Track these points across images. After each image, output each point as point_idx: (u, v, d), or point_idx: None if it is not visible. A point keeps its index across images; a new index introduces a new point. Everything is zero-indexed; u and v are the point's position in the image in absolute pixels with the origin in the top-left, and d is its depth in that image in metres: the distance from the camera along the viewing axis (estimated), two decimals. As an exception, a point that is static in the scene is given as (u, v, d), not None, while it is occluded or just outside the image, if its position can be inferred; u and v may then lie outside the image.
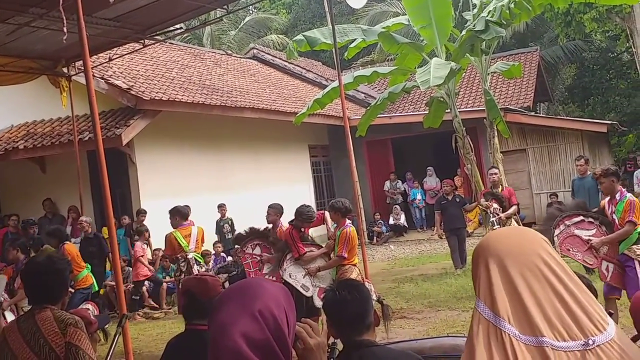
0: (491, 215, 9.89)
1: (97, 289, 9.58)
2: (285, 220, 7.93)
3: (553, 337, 1.50)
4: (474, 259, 1.71)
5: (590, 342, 1.49)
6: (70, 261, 3.78)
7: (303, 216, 7.35)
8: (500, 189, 10.66)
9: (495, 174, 10.94)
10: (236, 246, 8.61)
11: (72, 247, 8.84)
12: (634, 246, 6.40)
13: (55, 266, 3.52)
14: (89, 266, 9.17)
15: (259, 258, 8.07)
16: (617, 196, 6.46)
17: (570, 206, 6.98)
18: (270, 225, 8.20)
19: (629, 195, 6.53)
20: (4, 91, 12.11)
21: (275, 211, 8.20)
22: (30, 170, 13.71)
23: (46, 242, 8.90)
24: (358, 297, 2.70)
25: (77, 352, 3.20)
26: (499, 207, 9.85)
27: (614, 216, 6.41)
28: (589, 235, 6.47)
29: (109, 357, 3.03)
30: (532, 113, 19.93)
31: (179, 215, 8.85)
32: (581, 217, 6.51)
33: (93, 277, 9.20)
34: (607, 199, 6.63)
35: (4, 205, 14.50)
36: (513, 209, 10.05)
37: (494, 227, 9.36)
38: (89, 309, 3.80)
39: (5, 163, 13.42)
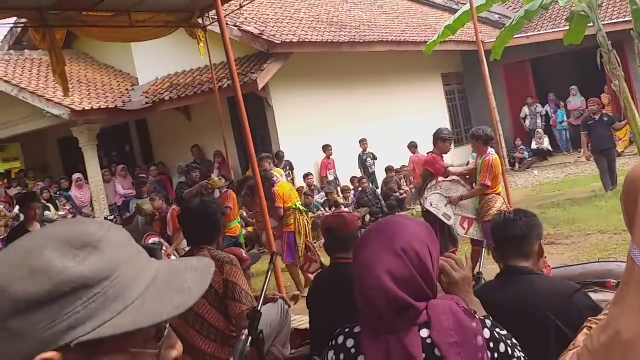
0: None
1: (243, 240, 10.25)
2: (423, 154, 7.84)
3: None
4: (629, 191, 1.42)
5: None
6: (220, 205, 4.04)
7: (442, 134, 7.26)
8: None
9: None
10: None
11: (234, 195, 9.37)
12: None
13: (208, 210, 3.79)
14: (240, 218, 9.87)
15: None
16: None
17: None
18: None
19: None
20: (147, 46, 12.79)
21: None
22: (177, 119, 14.54)
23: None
24: (523, 220, 2.64)
25: (235, 288, 3.45)
26: None
27: None
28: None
29: (263, 290, 3.23)
30: (689, 18, 18.08)
31: None
32: None
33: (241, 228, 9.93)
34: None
35: (156, 154, 15.56)
36: None
37: None
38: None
39: (155, 114, 14.32)
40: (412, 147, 13.96)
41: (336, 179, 14.06)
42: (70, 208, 13.62)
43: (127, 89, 14.71)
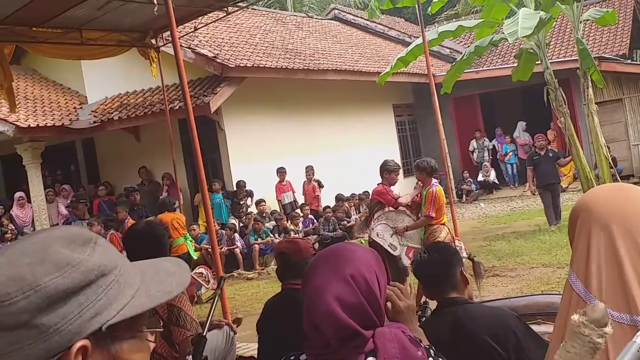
0: None
1: (194, 257, 10.10)
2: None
3: None
4: (572, 222, 1.55)
5: None
6: (167, 227, 3.96)
7: (387, 165, 7.32)
8: None
9: None
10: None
11: (166, 216, 9.35)
12: None
13: (154, 232, 3.71)
14: (187, 235, 9.68)
15: None
16: None
17: None
18: None
19: None
20: (97, 64, 12.60)
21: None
22: (125, 140, 14.30)
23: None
24: (437, 258, 2.73)
25: (179, 314, 3.37)
26: None
27: None
28: None
29: (209, 316, 3.17)
30: (629, 61, 18.84)
31: None
32: None
33: (189, 246, 9.77)
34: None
35: (102, 174, 15.24)
36: None
37: None
38: (202, 273, 3.97)
39: (102, 133, 14.06)
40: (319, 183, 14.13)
41: (295, 201, 13.84)
42: (12, 228, 13.17)
43: (75, 107, 14.41)
